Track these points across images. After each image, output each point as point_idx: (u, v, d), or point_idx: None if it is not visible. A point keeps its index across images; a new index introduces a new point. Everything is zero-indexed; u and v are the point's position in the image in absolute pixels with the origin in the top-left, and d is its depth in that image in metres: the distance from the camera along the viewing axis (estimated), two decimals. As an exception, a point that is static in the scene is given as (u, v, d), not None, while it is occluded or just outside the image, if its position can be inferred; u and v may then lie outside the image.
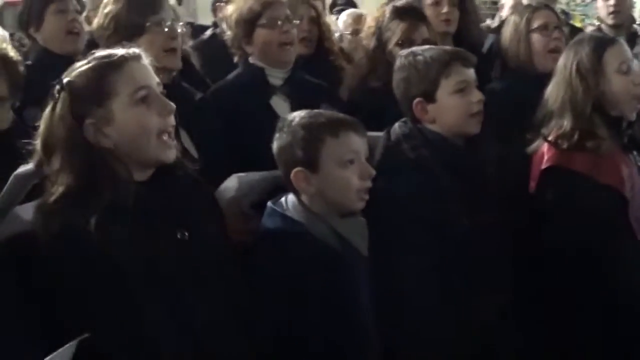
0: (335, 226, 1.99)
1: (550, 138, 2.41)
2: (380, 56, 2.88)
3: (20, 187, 1.74)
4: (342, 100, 2.80)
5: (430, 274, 2.16)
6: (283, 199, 2.04)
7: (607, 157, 2.39)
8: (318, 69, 2.85)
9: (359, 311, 2.02)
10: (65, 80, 1.66)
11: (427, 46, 2.48)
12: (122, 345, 1.58)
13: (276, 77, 2.69)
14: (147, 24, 2.40)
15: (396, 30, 2.87)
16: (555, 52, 2.85)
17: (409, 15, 2.92)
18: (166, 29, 2.42)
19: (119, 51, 1.71)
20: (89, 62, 1.69)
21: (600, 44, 2.42)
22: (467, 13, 3.32)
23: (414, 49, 2.43)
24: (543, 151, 2.41)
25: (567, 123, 2.38)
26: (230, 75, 2.74)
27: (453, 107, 2.27)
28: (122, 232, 1.58)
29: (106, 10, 2.47)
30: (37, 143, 1.68)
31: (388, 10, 2.95)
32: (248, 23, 2.68)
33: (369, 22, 3.13)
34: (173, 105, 1.69)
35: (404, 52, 2.43)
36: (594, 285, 2.32)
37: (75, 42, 2.90)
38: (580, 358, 2.38)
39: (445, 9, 3.18)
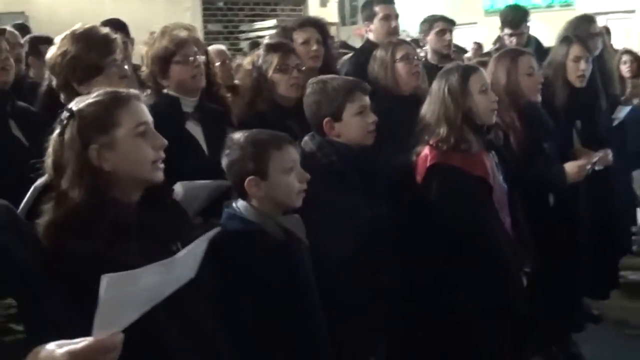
0: (281, 222, 2.55)
1: (432, 142, 3.27)
2: (263, 84, 3.52)
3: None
4: (234, 125, 3.34)
5: (346, 253, 2.82)
6: (234, 204, 2.56)
7: (475, 155, 3.30)
8: (208, 97, 3.38)
9: (310, 290, 2.59)
10: (75, 108, 2.02)
11: (334, 76, 3.29)
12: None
13: (188, 105, 3.19)
14: (104, 64, 2.79)
15: (272, 60, 3.53)
16: (416, 76, 3.91)
17: (281, 47, 3.63)
18: (119, 69, 2.85)
19: (125, 90, 2.13)
20: (98, 96, 2.07)
21: (466, 71, 3.34)
22: (329, 49, 4.22)
23: (324, 77, 3.19)
24: (426, 153, 3.25)
25: (443, 131, 3.24)
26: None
27: (355, 125, 3.02)
28: (133, 246, 1.94)
29: (63, 50, 2.79)
30: (48, 163, 2.03)
31: (262, 48, 3.66)
32: (163, 60, 3.16)
33: (246, 64, 3.81)
34: (165, 140, 2.11)
35: (315, 79, 3.17)
36: (470, 251, 3.20)
37: (6, 75, 3.12)
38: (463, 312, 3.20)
39: (314, 47, 4.05)
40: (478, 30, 13.77)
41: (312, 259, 2.62)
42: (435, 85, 3.39)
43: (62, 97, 2.78)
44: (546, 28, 8.17)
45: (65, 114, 2.03)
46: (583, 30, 4.84)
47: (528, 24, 5.65)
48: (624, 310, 5.37)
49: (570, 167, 3.83)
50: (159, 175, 2.09)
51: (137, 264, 1.83)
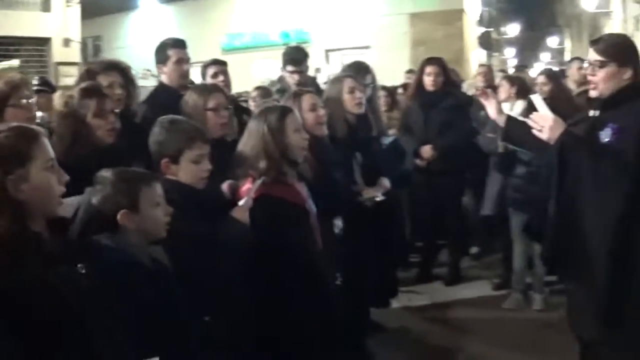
0: (151, 252, 3.08)
1: (253, 175, 3.88)
2: (82, 129, 3.83)
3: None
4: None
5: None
6: (110, 238, 3.00)
7: (292, 185, 4.01)
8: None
9: (179, 311, 3.10)
10: None
11: (181, 119, 3.78)
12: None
13: None
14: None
15: (90, 105, 3.87)
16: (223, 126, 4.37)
17: (97, 92, 3.99)
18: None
19: (33, 127, 2.56)
20: (11, 130, 2.41)
21: (283, 111, 4.02)
22: (131, 93, 4.63)
23: (173, 118, 3.71)
24: (249, 186, 3.83)
25: (263, 165, 3.88)
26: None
27: (190, 171, 3.56)
28: (62, 271, 2.38)
29: None
30: None
31: (77, 92, 3.95)
32: None
33: (57, 106, 4.12)
34: (67, 176, 2.54)
35: (163, 118, 3.68)
36: (293, 269, 3.85)
37: None
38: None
39: (117, 91, 4.40)
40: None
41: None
42: (253, 123, 4.02)
43: None
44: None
45: None
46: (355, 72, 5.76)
47: (308, 63, 6.52)
48: (404, 318, 6.35)
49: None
50: (61, 208, 2.53)
51: (67, 290, 2.38)
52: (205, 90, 4.55)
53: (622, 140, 3.54)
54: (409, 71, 11.45)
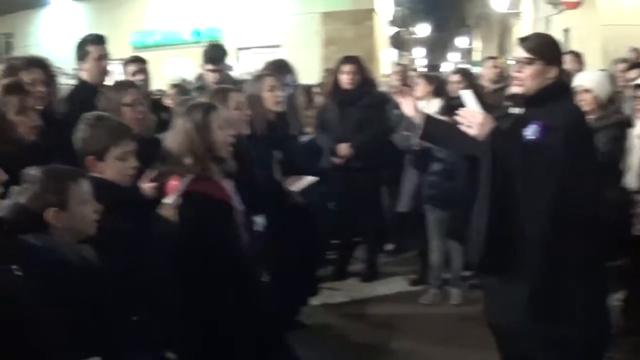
0: (80, 249, 3.12)
1: (179, 172, 3.93)
2: (3, 126, 3.73)
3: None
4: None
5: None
6: (38, 237, 3.01)
7: (218, 182, 4.08)
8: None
9: (112, 309, 3.16)
10: None
11: (110, 115, 3.81)
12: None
13: None
14: None
15: (11, 102, 3.88)
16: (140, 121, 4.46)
17: (19, 89, 4.01)
18: None
19: None
20: None
21: (208, 108, 4.09)
22: (53, 90, 4.66)
23: (99, 115, 3.75)
24: (174, 182, 3.90)
25: (189, 161, 3.93)
26: None
27: (116, 168, 3.60)
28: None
29: None
30: None
31: None
32: None
33: None
34: (5, 175, 2.64)
35: (90, 114, 3.72)
36: (221, 264, 3.92)
37: None
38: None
39: (39, 88, 4.43)
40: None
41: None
42: (179, 120, 4.07)
43: None
44: (194, 63, 9.14)
45: None
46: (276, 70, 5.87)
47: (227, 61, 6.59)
48: (323, 314, 6.48)
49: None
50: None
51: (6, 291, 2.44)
52: (121, 86, 4.67)
53: (549, 138, 3.66)
54: (326, 70, 11.57)
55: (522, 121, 3.81)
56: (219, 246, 3.94)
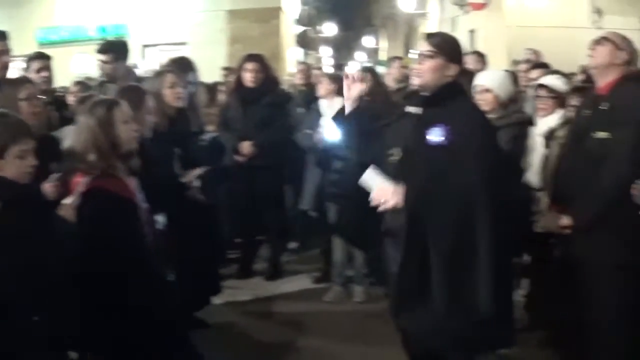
0: None
1: (83, 169, 3.93)
2: None
3: None
4: None
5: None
6: None
7: (122, 179, 4.06)
8: None
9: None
10: None
11: (9, 112, 3.75)
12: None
13: None
14: None
15: None
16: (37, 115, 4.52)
17: None
18: None
19: None
20: None
21: (111, 104, 4.07)
22: None
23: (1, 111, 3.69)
24: (79, 180, 3.90)
25: (93, 158, 3.91)
26: None
27: (15, 166, 3.56)
28: None
29: None
30: None
31: None
32: None
33: None
34: None
35: None
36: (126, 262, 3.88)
37: None
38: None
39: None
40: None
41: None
42: (82, 117, 4.05)
43: None
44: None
45: None
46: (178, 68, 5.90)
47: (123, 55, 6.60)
48: (226, 313, 6.50)
49: None
50: None
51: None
52: (17, 81, 4.69)
53: (455, 142, 3.77)
54: (226, 68, 11.57)
55: (424, 122, 3.90)
56: (124, 244, 3.90)
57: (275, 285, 7.50)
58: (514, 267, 4.57)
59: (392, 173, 3.93)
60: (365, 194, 3.92)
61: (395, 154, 3.98)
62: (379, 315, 5.67)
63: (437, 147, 3.81)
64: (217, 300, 6.36)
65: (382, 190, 3.85)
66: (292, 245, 8.73)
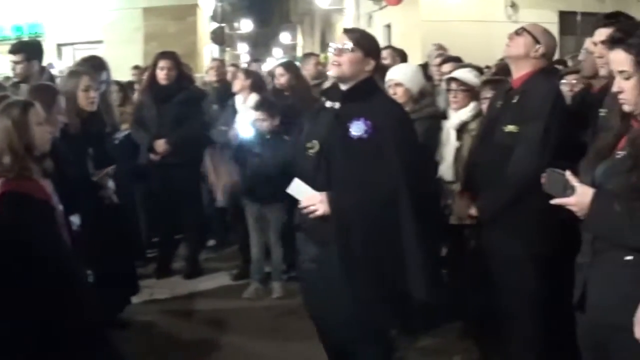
0: None
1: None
2: None
3: None
4: None
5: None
6: None
7: (37, 181, 4.03)
8: None
9: None
10: None
11: None
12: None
13: None
14: None
15: None
16: None
17: None
18: None
19: None
20: None
21: (25, 105, 4.03)
22: None
23: None
24: None
25: (8, 160, 3.88)
26: None
27: None
28: None
29: None
30: None
31: None
32: None
33: None
34: None
35: None
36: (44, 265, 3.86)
37: None
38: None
39: None
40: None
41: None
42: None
43: None
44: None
45: None
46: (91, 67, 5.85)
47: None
48: (146, 312, 6.48)
49: None
50: None
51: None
52: None
53: (376, 136, 3.84)
54: (136, 67, 11.49)
55: (344, 117, 3.95)
56: (42, 247, 3.88)
57: (194, 283, 7.49)
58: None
59: (310, 166, 3.99)
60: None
61: (314, 146, 4.01)
62: (296, 310, 5.74)
63: (358, 141, 3.86)
64: (136, 299, 6.35)
65: (310, 199, 3.93)
66: (211, 242, 8.74)
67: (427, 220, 3.92)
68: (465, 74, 5.76)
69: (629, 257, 2.87)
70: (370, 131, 3.85)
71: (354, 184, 3.86)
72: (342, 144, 3.89)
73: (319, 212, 3.89)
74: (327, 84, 6.17)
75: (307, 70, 8.82)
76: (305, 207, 3.95)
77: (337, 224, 3.87)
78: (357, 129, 3.87)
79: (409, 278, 3.83)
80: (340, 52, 3.96)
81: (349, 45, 3.95)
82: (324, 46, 29.73)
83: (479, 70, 6.65)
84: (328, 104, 4.12)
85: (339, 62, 3.96)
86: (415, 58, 9.83)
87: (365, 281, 3.86)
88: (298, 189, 3.99)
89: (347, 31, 4.10)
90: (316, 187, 3.93)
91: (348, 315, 3.92)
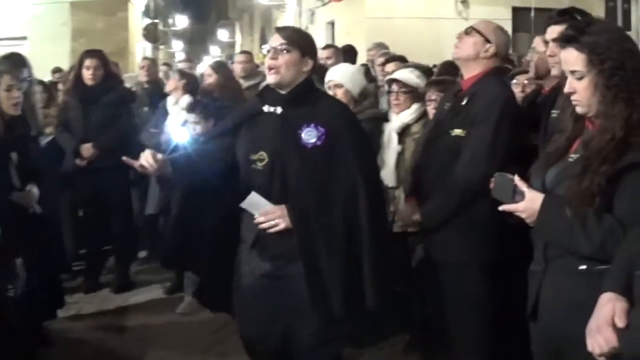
0: None
1: None
2: None
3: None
4: None
5: None
6: None
7: None
8: None
9: None
10: None
11: None
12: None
13: None
14: None
15: None
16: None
17: None
18: None
19: None
20: None
21: None
22: None
23: None
24: None
25: None
26: None
27: None
28: None
29: None
30: None
31: None
32: None
33: None
34: None
35: None
36: None
37: None
38: None
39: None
40: None
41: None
42: None
43: None
44: None
45: None
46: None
47: None
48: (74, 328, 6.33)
49: None
50: None
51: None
52: None
53: (330, 141, 3.76)
54: (56, 70, 11.26)
55: (292, 123, 3.83)
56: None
57: (124, 297, 7.35)
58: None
59: (261, 180, 3.85)
60: None
61: (263, 158, 3.85)
62: (232, 324, 5.62)
63: (313, 148, 3.77)
64: (63, 315, 6.21)
65: (268, 213, 3.78)
66: (142, 254, 8.55)
67: (384, 222, 3.97)
68: (407, 75, 5.71)
69: (582, 267, 2.84)
70: (324, 137, 3.77)
71: (313, 194, 3.77)
72: (296, 153, 3.78)
73: (281, 227, 3.76)
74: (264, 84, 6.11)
75: (235, 69, 8.75)
76: (261, 222, 3.80)
77: (301, 239, 3.76)
78: (309, 136, 3.77)
79: (364, 282, 3.76)
80: (276, 52, 3.82)
81: (284, 45, 3.82)
82: (263, 44, 29.67)
83: (428, 69, 6.63)
84: (266, 108, 3.95)
85: (276, 68, 3.82)
86: (360, 57, 9.80)
87: (333, 296, 3.75)
88: (253, 202, 3.83)
89: (280, 30, 3.96)
90: (272, 200, 3.80)
91: (307, 333, 3.83)
